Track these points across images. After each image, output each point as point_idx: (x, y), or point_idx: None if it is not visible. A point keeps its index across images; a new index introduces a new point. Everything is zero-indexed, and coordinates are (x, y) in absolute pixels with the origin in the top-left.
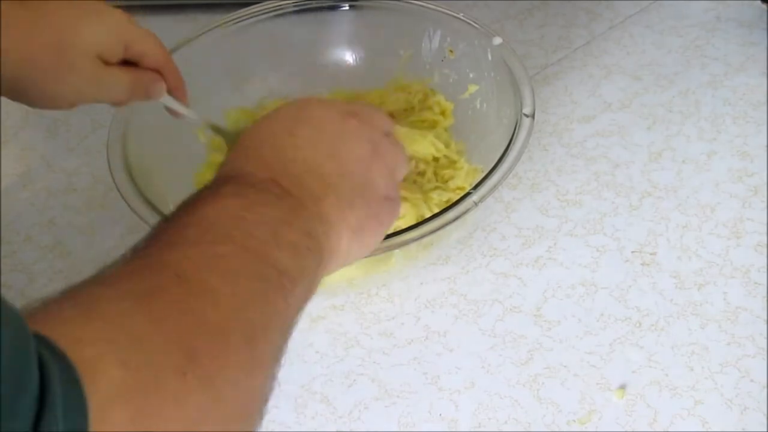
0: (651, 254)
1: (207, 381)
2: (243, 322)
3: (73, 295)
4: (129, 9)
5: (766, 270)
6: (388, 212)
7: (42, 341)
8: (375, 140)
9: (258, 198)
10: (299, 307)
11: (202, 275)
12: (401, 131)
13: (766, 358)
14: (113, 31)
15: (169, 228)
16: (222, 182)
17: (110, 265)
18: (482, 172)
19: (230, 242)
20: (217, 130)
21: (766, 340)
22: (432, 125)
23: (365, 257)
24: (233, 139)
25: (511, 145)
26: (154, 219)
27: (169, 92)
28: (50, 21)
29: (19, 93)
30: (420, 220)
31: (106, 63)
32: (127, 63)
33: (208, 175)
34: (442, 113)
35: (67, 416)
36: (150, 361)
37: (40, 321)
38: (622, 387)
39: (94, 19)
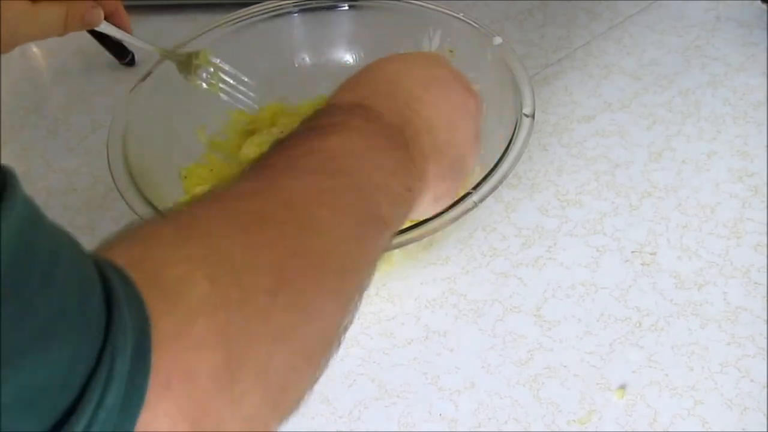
0: (651, 254)
1: (297, 303)
2: (340, 255)
3: (178, 212)
4: (129, 9)
5: (766, 270)
6: (457, 192)
7: (109, 267)
8: (479, 128)
9: (380, 142)
10: (383, 253)
11: (311, 205)
12: None
13: (766, 358)
14: None
15: (292, 149)
16: (350, 112)
17: (224, 182)
18: (482, 172)
19: (347, 177)
20: (166, 54)
21: (766, 340)
22: None
23: None
24: (185, 62)
25: (511, 145)
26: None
27: (108, 19)
28: None
29: None
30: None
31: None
32: None
33: (197, 171)
34: None
35: (127, 334)
36: (240, 279)
37: (138, 240)
38: (622, 387)
39: None
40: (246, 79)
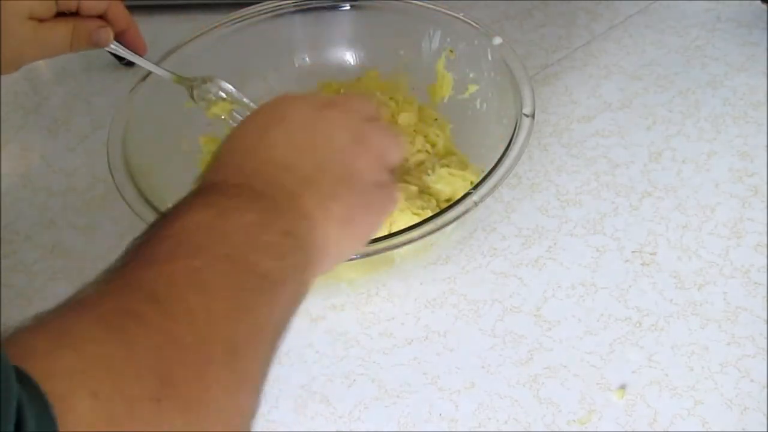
0: (651, 254)
1: (184, 405)
2: (222, 340)
3: (45, 322)
4: (129, 9)
5: (766, 270)
6: (380, 199)
7: (18, 372)
8: (356, 127)
9: (230, 204)
10: (290, 310)
11: (176, 293)
12: (438, 173)
13: (766, 358)
14: None
15: (144, 245)
16: (193, 195)
17: (86, 286)
18: (482, 172)
19: (204, 254)
20: (180, 80)
21: (766, 340)
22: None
23: (365, 252)
24: (197, 88)
25: (511, 145)
26: (154, 219)
27: (119, 39)
28: None
29: None
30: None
31: (41, 21)
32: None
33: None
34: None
35: None
36: (122, 390)
37: (12, 353)
38: (622, 387)
39: None
40: (254, 105)
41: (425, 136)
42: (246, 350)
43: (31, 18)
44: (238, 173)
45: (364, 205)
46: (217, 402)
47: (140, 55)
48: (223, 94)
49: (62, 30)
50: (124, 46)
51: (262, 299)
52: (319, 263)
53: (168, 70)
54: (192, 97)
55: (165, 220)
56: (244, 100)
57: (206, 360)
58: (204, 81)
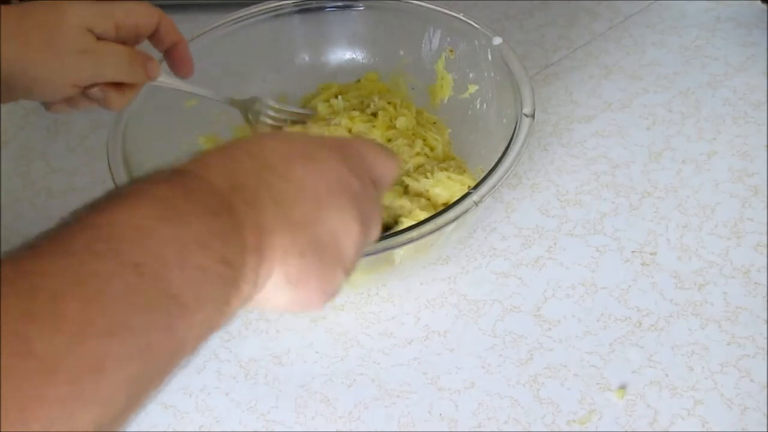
0: (651, 254)
1: (16, 423)
2: (84, 355)
3: None
4: None
5: (766, 270)
6: (338, 285)
7: None
8: (372, 208)
9: (185, 208)
10: (195, 337)
11: (59, 294)
12: (437, 176)
13: (766, 358)
14: (100, 6)
15: (66, 226)
16: (160, 177)
17: None
18: (482, 172)
19: (117, 258)
20: (233, 103)
21: (766, 340)
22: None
23: (365, 252)
24: (248, 107)
25: (511, 145)
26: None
27: (174, 65)
28: (36, 6)
29: (16, 86)
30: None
31: (99, 38)
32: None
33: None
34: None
35: None
36: None
37: None
38: (622, 387)
39: (80, 1)
40: (302, 111)
41: (424, 140)
42: (113, 372)
43: (90, 32)
44: (227, 176)
45: (323, 280)
46: (53, 421)
47: (185, 76)
48: (272, 113)
49: (122, 49)
50: (171, 63)
51: (161, 322)
52: (248, 301)
53: (230, 98)
54: (248, 120)
55: (113, 197)
56: (294, 109)
57: (50, 376)
58: (253, 102)
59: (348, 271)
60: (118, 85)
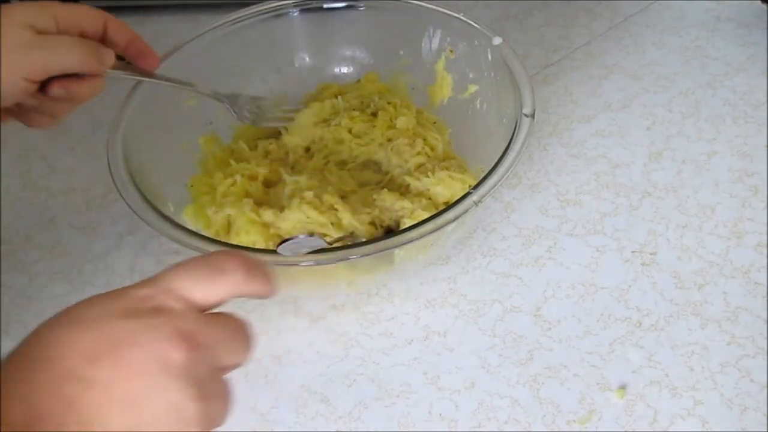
0: (651, 254)
1: None
2: None
3: None
4: (129, 9)
5: (766, 270)
6: None
7: None
8: (202, 382)
9: None
10: None
11: None
12: (437, 176)
13: (766, 358)
14: (40, 3)
15: None
16: None
17: None
18: (482, 172)
19: None
20: (215, 96)
21: (766, 340)
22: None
23: (365, 252)
24: (233, 101)
25: (511, 145)
26: (153, 219)
27: (134, 60)
28: None
29: None
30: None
31: (40, 33)
32: None
33: (203, 179)
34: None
35: None
36: None
37: None
38: (622, 387)
39: (21, 2)
40: (287, 108)
41: (424, 140)
42: None
43: (31, 28)
44: (24, 403)
45: None
46: None
47: (151, 68)
48: (254, 109)
49: (70, 37)
50: (133, 60)
51: None
52: None
53: (211, 91)
54: (235, 113)
55: None
56: (276, 108)
57: None
58: (236, 98)
59: None
60: (78, 80)
